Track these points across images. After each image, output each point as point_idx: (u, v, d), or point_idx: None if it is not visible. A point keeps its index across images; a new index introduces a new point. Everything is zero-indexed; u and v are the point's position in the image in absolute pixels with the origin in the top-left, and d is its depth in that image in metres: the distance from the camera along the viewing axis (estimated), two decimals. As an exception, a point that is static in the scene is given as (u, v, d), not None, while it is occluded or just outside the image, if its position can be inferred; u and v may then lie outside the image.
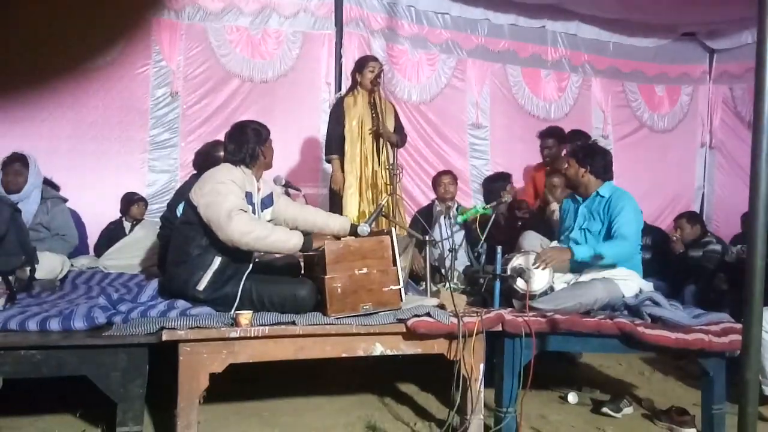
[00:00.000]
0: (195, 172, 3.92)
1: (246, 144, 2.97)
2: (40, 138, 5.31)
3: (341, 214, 4.23)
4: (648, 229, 4.77)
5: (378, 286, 2.80)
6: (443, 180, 4.73)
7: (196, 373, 2.51)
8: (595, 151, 3.58)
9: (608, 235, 3.34)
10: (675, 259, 5.08)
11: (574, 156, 3.56)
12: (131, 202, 5.13)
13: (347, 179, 4.37)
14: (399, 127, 4.59)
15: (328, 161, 4.59)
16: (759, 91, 1.71)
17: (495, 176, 5.35)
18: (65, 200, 4.23)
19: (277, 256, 3.26)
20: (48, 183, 4.30)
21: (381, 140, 4.41)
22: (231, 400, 3.15)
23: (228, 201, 2.75)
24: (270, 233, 2.80)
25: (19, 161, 3.95)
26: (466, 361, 2.79)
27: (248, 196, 2.91)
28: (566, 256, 3.21)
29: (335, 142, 4.45)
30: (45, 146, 5.24)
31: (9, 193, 3.84)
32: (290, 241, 2.85)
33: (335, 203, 4.47)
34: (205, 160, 3.79)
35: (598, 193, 3.47)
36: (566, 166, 3.66)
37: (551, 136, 5.22)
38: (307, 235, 2.94)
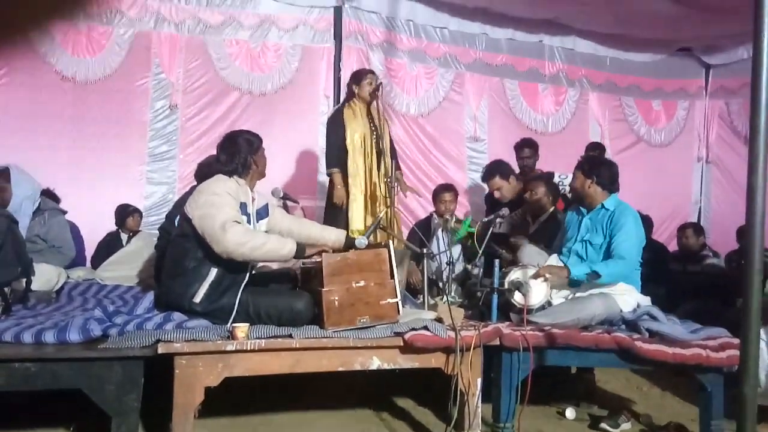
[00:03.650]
0: (195, 183, 3.89)
1: (238, 154, 2.97)
2: (39, 149, 5.30)
3: (345, 228, 4.12)
4: (647, 245, 4.70)
5: (375, 299, 2.80)
6: (445, 197, 4.55)
7: (191, 386, 2.50)
8: (601, 163, 3.60)
9: (608, 251, 3.34)
10: (673, 274, 5.06)
11: (580, 168, 3.55)
12: (126, 215, 5.12)
13: (352, 192, 4.25)
14: (392, 149, 4.49)
15: (329, 175, 4.45)
16: (755, 106, 1.71)
17: None
18: (64, 212, 4.17)
19: (274, 267, 3.25)
20: (48, 194, 4.27)
21: (382, 155, 4.35)
22: (226, 414, 3.13)
23: (222, 213, 2.75)
24: (265, 242, 2.81)
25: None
26: (464, 375, 2.78)
27: (243, 206, 2.91)
28: (563, 274, 3.24)
29: (336, 156, 4.33)
30: (44, 157, 5.24)
31: None
32: (285, 248, 2.86)
33: (335, 217, 4.32)
34: (207, 172, 3.76)
35: (603, 206, 3.46)
36: (572, 178, 3.65)
37: (527, 146, 5.19)
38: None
